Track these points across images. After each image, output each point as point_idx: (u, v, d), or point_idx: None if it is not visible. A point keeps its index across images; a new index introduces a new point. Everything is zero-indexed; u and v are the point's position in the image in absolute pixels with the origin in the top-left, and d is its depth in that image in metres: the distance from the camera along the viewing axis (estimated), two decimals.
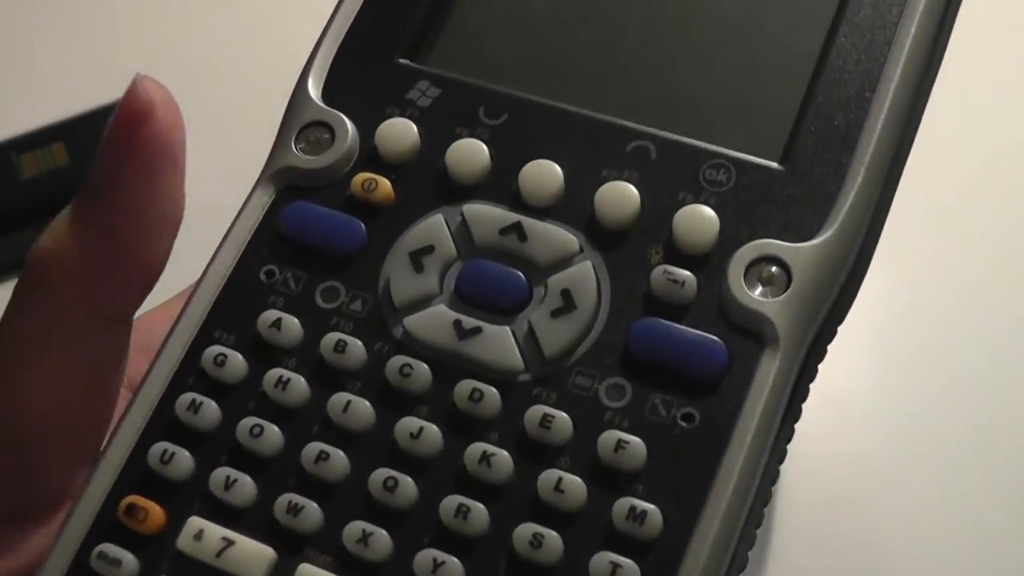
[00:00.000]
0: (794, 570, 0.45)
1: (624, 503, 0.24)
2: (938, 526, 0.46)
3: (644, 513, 0.24)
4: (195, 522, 0.25)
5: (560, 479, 0.25)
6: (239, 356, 0.27)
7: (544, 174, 0.27)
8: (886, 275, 0.49)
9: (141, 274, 0.28)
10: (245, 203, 0.28)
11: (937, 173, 0.51)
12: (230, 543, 0.25)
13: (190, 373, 0.27)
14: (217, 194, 0.53)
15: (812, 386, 0.27)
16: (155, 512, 0.26)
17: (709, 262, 0.26)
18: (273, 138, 0.29)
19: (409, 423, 0.26)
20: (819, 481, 0.46)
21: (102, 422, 0.29)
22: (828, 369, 0.27)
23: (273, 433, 0.26)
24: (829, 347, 0.27)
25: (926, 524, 0.46)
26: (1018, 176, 0.53)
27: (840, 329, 0.27)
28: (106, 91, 0.58)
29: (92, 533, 0.26)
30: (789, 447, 0.27)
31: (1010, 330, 0.50)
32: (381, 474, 0.25)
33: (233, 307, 0.27)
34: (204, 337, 0.27)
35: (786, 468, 0.44)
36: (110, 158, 0.27)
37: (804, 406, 0.27)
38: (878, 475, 0.47)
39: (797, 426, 0.26)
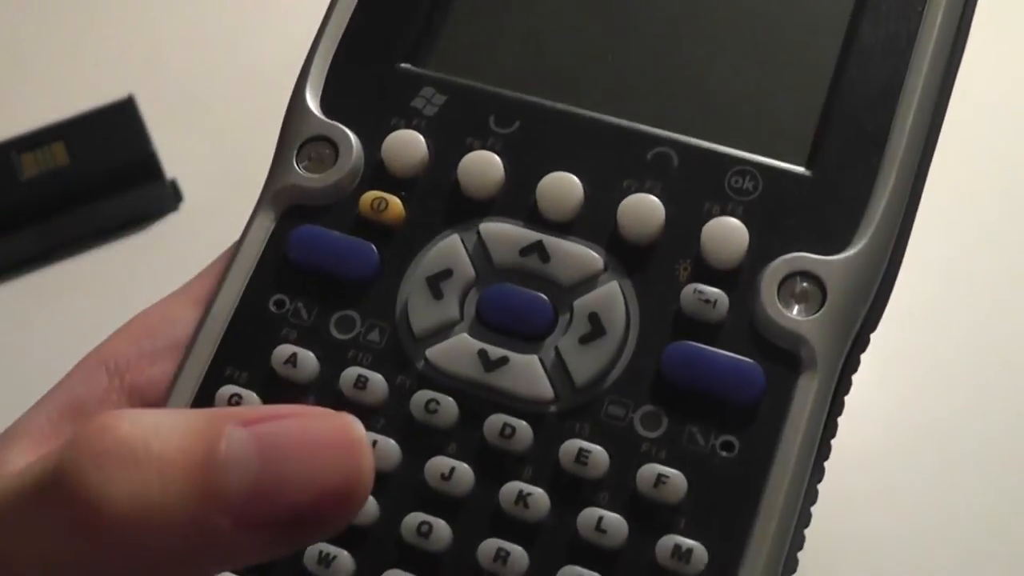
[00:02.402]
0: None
1: (668, 541, 0.24)
2: (938, 525, 0.46)
3: (689, 551, 0.24)
4: None
5: (601, 518, 0.24)
6: (254, 396, 0.26)
7: (563, 188, 0.26)
8: None
9: None
10: (248, 226, 0.27)
11: (937, 173, 0.50)
12: None
13: None
14: (217, 194, 0.52)
15: None
16: None
17: (739, 277, 0.25)
18: (274, 138, 0.28)
19: (440, 463, 0.25)
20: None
21: None
22: None
23: None
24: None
25: (926, 523, 0.46)
26: (1018, 176, 0.53)
27: None
28: (106, 91, 0.56)
29: None
30: None
31: (1010, 330, 0.50)
32: (414, 519, 0.24)
33: (243, 341, 0.26)
34: (215, 375, 0.26)
35: None
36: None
37: None
38: (878, 474, 0.47)
39: None
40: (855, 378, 0.49)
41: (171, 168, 0.56)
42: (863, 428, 0.48)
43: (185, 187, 0.57)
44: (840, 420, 0.50)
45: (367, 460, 0.21)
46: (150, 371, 0.26)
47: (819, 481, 0.26)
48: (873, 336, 0.49)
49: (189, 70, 0.59)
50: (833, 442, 0.48)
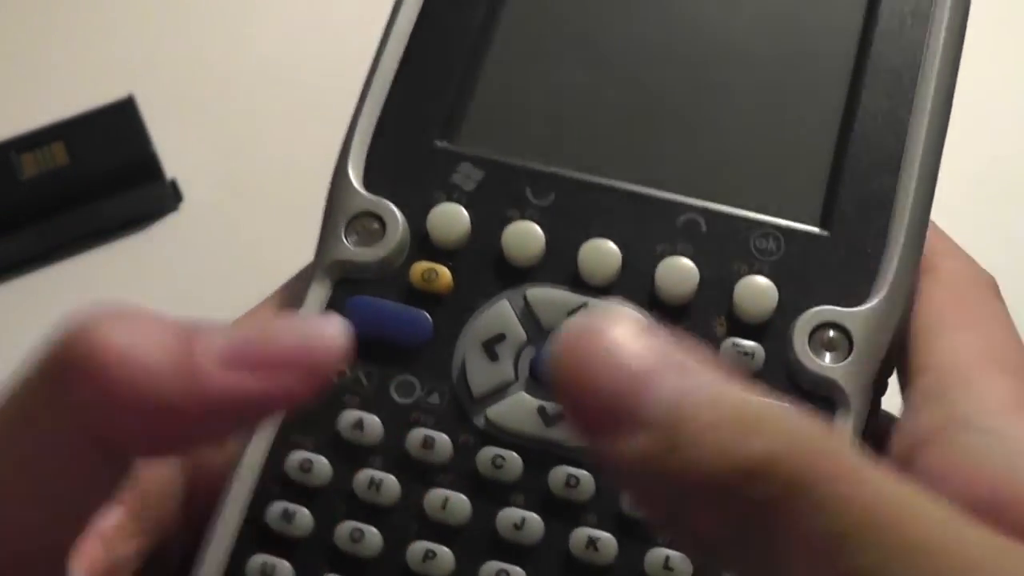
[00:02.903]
0: None
1: None
2: None
3: None
4: None
5: (667, 557, 0.26)
6: (323, 459, 0.27)
7: (603, 254, 0.28)
8: None
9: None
10: (303, 300, 0.28)
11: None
12: None
13: (275, 481, 0.27)
14: (217, 194, 0.51)
15: None
16: None
17: (770, 331, 0.28)
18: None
19: (510, 514, 0.26)
20: None
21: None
22: None
23: (373, 535, 0.26)
24: None
25: None
26: (1017, 177, 0.56)
27: None
28: (106, 91, 0.56)
29: None
30: None
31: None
32: (492, 567, 0.26)
33: (307, 409, 0.27)
34: (283, 442, 0.27)
35: None
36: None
37: None
38: None
39: None
40: None
41: (171, 168, 0.56)
42: None
43: (185, 187, 0.56)
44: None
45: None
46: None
47: None
48: None
49: (189, 70, 0.59)
50: None
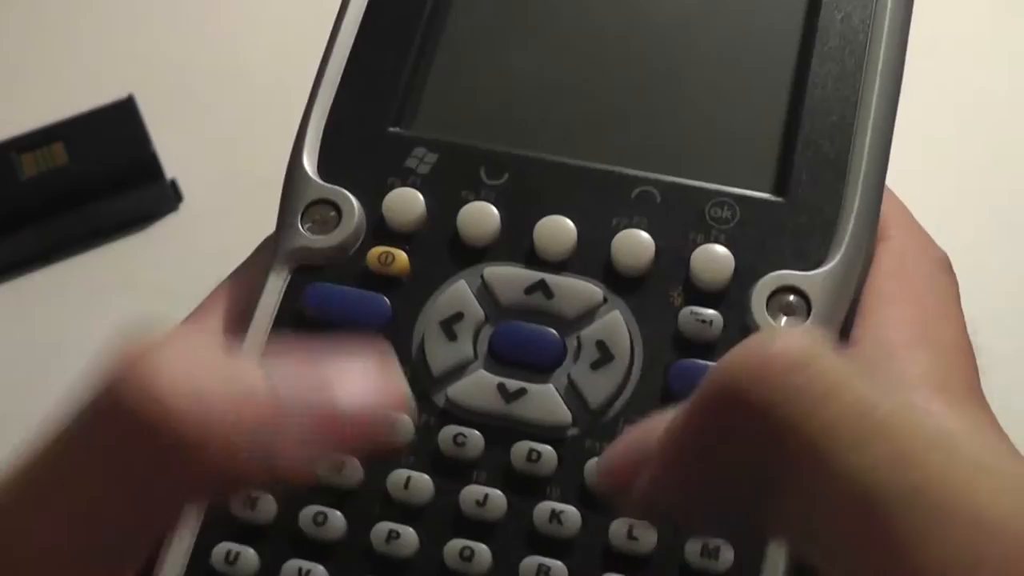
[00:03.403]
0: None
1: (696, 546, 0.25)
2: None
3: (717, 550, 0.25)
4: None
5: (631, 527, 0.26)
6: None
7: (559, 230, 0.28)
8: None
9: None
10: (261, 289, 0.28)
11: (937, 174, 0.53)
12: None
13: None
14: (217, 194, 0.51)
15: None
16: None
17: (728, 298, 0.27)
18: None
19: (473, 491, 0.26)
20: None
21: None
22: None
23: (337, 519, 0.26)
24: None
25: None
26: (1016, 176, 0.55)
27: None
28: (106, 91, 0.56)
29: None
30: None
31: (1010, 328, 0.52)
32: (456, 545, 0.26)
33: None
34: None
35: None
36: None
37: None
38: None
39: None
40: None
41: (171, 168, 0.56)
42: None
43: (185, 187, 0.56)
44: None
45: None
46: None
47: None
48: None
49: (189, 70, 0.59)
50: None
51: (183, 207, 0.56)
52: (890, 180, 0.29)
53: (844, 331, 0.28)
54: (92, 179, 0.55)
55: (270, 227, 0.29)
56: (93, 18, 0.62)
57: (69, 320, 0.53)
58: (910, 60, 0.30)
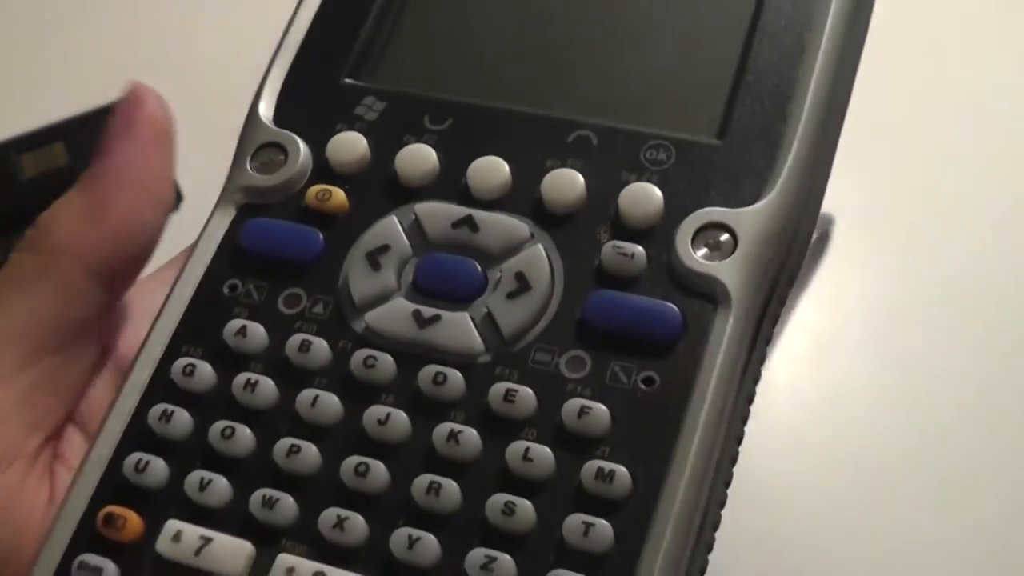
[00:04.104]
0: (795, 569, 0.45)
1: (592, 465, 0.25)
2: (939, 525, 0.46)
3: (612, 473, 0.25)
4: (173, 524, 0.26)
5: (528, 449, 0.25)
6: (207, 365, 0.27)
7: (491, 168, 0.28)
8: (884, 275, 0.50)
9: (133, 240, 0.30)
10: (207, 223, 0.29)
11: (936, 175, 0.52)
12: (208, 541, 0.25)
13: (161, 386, 0.27)
14: (217, 194, 0.53)
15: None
16: (133, 520, 0.26)
17: (656, 235, 0.27)
18: None
19: (376, 411, 0.26)
20: (820, 479, 0.46)
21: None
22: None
23: (244, 433, 0.26)
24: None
25: (927, 524, 0.46)
26: (1014, 176, 0.54)
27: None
28: (106, 91, 0.58)
29: (73, 544, 0.26)
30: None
31: (1010, 329, 0.50)
32: (352, 461, 0.26)
33: (199, 321, 0.28)
34: (172, 352, 0.28)
35: (785, 468, 0.44)
36: (109, 139, 0.31)
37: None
38: (878, 474, 0.47)
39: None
40: (856, 384, 0.49)
41: None
42: (864, 430, 0.48)
43: (185, 187, 0.57)
44: (842, 424, 0.49)
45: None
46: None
47: (744, 421, 0.27)
48: (873, 339, 0.49)
49: (189, 70, 0.60)
50: (835, 444, 0.48)
51: (183, 207, 0.56)
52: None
53: (786, 274, 0.27)
54: None
55: None
56: (93, 18, 0.63)
57: None
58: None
